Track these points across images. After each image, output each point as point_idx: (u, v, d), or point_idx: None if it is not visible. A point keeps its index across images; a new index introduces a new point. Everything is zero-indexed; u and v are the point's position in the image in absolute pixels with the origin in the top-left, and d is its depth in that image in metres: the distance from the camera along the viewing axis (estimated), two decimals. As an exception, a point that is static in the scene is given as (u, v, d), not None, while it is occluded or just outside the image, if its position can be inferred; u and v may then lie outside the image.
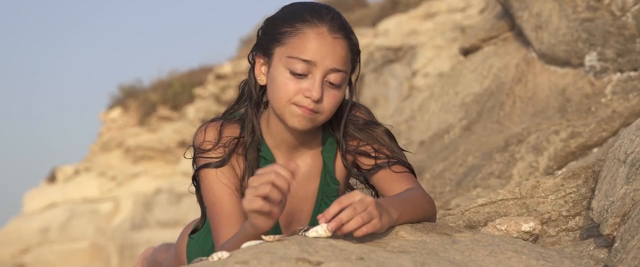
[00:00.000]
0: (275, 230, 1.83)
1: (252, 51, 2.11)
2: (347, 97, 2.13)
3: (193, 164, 2.09)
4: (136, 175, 18.13)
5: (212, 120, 2.13)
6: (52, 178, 19.57)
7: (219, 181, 2.03)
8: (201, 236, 2.32)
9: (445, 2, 12.82)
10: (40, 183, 19.81)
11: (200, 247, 2.31)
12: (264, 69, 2.08)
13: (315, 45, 2.00)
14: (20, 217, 18.84)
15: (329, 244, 1.74)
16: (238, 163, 2.09)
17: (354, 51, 2.06)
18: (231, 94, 16.08)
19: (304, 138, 2.12)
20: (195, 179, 2.10)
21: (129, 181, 18.13)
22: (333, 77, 2.01)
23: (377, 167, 2.10)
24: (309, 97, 1.99)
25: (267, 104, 2.13)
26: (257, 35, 2.11)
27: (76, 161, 20.07)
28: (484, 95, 4.62)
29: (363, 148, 2.13)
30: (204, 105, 17.04)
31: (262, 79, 2.09)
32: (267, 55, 2.06)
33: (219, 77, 17.01)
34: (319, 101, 2.00)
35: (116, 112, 19.54)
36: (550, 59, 4.20)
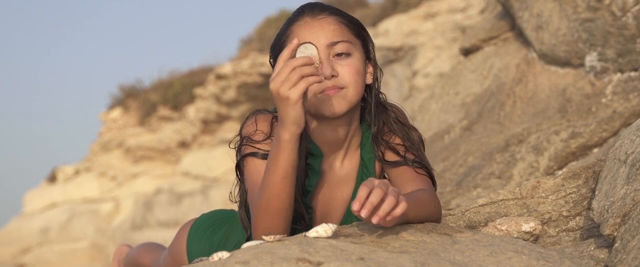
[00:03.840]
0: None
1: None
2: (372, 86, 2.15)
3: (237, 152, 2.11)
4: (136, 175, 18.13)
5: (260, 112, 2.15)
6: (52, 178, 19.57)
7: (262, 170, 2.04)
8: (207, 233, 2.33)
9: (446, 2, 12.81)
10: (40, 183, 19.82)
11: (206, 242, 2.32)
12: None
13: (305, 34, 2.05)
14: (20, 217, 18.85)
15: (329, 244, 1.74)
16: None
17: (348, 25, 2.10)
18: (231, 94, 16.06)
19: (343, 136, 2.13)
20: (239, 167, 2.12)
21: (129, 181, 18.13)
22: (338, 48, 2.06)
23: (402, 162, 2.12)
24: (325, 77, 2.02)
25: None
26: (270, 63, 2.16)
27: (76, 161, 20.10)
28: (485, 96, 4.61)
29: (394, 144, 2.15)
30: (204, 105, 17.02)
31: None
32: None
33: (219, 77, 16.97)
34: (334, 75, 2.03)
35: (116, 112, 19.53)
36: (550, 59, 4.20)
